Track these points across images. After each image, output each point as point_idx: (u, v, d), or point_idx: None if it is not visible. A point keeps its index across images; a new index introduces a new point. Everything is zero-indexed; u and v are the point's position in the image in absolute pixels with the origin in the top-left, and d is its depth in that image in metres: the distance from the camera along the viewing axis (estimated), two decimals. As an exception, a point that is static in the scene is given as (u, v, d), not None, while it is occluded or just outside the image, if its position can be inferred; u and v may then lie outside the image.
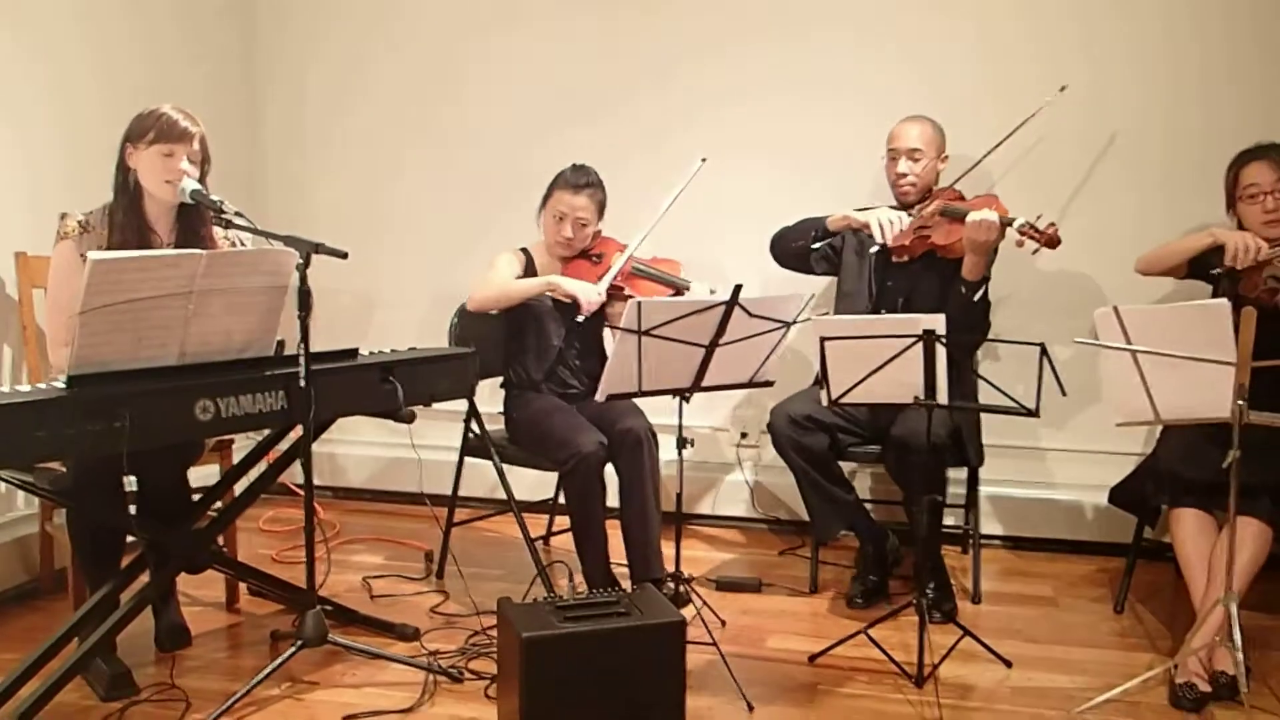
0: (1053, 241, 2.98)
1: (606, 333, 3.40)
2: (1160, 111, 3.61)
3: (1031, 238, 2.99)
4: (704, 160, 3.29)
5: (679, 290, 3.28)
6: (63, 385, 2.22)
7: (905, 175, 3.26)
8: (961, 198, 3.23)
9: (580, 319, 3.19)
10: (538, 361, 3.33)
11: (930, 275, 3.22)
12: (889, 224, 3.15)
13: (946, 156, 3.31)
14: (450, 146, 4.17)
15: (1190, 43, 3.57)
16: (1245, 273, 2.89)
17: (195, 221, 2.73)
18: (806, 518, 3.34)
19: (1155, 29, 3.60)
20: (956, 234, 3.12)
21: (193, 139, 2.65)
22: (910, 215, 3.19)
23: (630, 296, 3.28)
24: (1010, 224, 3.02)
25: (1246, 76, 3.53)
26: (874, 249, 3.19)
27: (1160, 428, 3.10)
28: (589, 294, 3.17)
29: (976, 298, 3.10)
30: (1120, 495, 3.23)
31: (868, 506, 3.40)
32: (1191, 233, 3.09)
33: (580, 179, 3.28)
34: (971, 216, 3.02)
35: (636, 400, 2.90)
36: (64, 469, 2.60)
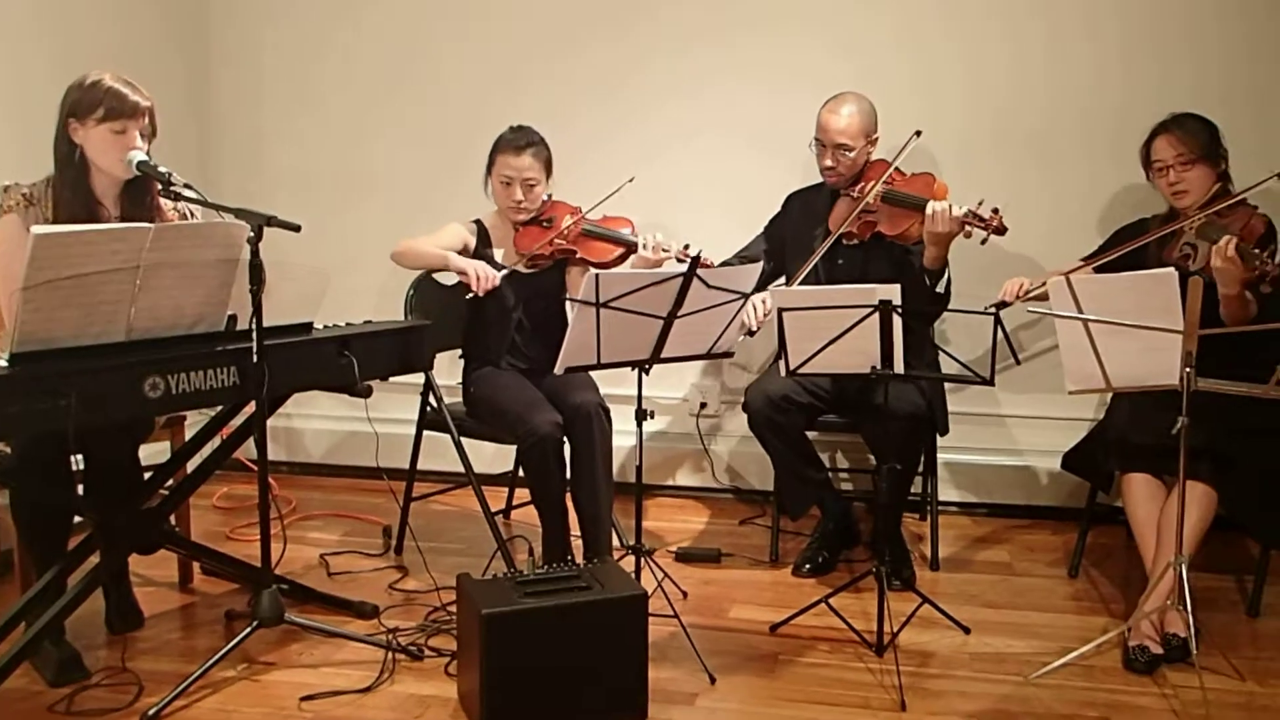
0: (1000, 229, 3.00)
1: (569, 304, 3.37)
2: (1111, 79, 3.63)
3: (978, 226, 3.01)
4: (631, 179, 3.26)
5: (630, 248, 3.26)
6: (4, 363, 2.16)
7: (832, 168, 3.27)
8: (901, 174, 3.23)
9: (470, 296, 3.16)
10: (498, 333, 3.30)
11: (879, 255, 3.24)
12: (754, 308, 3.13)
13: (876, 138, 3.30)
14: (412, 114, 4.10)
15: (1143, 5, 3.60)
16: (1163, 242, 3.00)
17: (141, 191, 2.65)
18: (767, 488, 3.36)
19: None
20: (902, 223, 3.13)
21: (144, 113, 2.57)
22: (770, 300, 3.15)
23: (583, 259, 3.28)
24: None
25: (1199, 37, 3.56)
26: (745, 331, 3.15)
27: (1111, 394, 3.15)
28: (484, 272, 3.13)
29: (940, 288, 3.12)
30: (1073, 461, 3.28)
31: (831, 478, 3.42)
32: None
33: (521, 139, 3.24)
34: (929, 209, 3.02)
35: (593, 373, 2.88)
36: (8, 449, 2.54)
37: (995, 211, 3.00)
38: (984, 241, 3.04)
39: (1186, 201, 3.03)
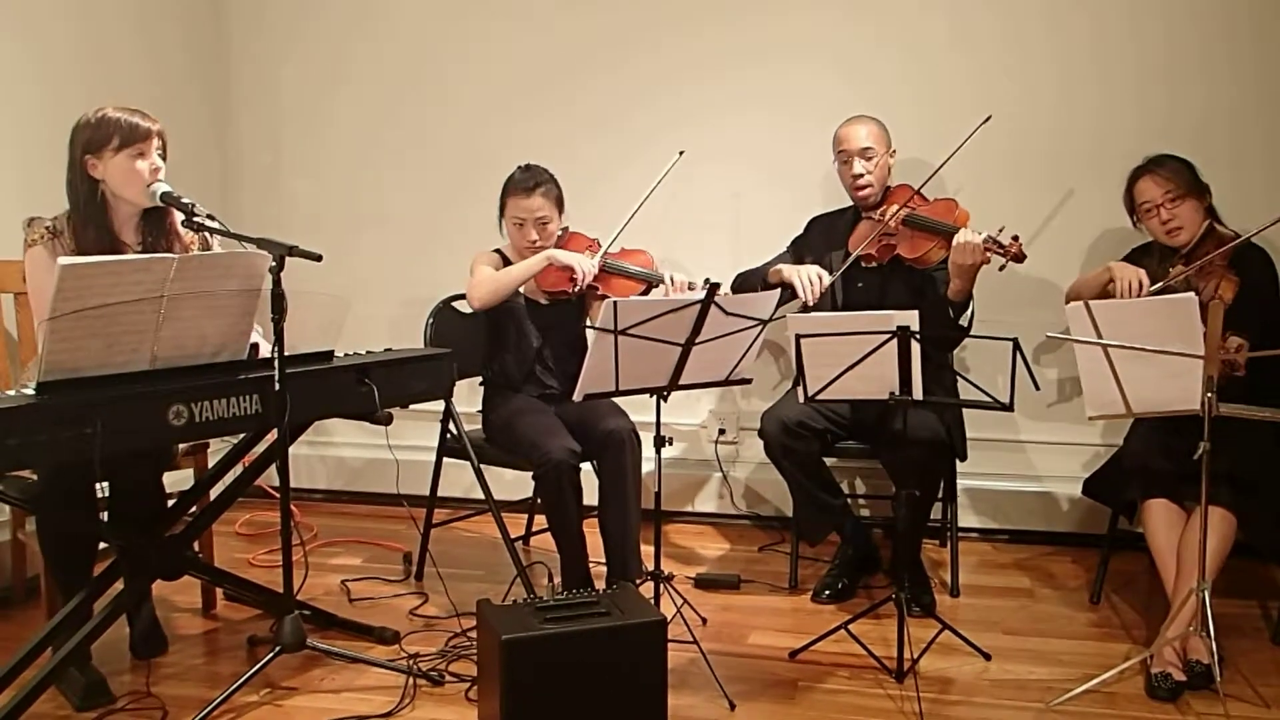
0: (1019, 257, 3.00)
1: (589, 331, 3.39)
2: (1123, 105, 3.64)
3: (997, 253, 3.01)
4: (681, 153, 3.27)
5: (652, 284, 3.28)
6: (32, 392, 2.20)
7: (862, 176, 3.25)
8: (924, 199, 3.24)
9: (575, 290, 3.20)
10: (517, 360, 3.32)
11: (899, 280, 3.24)
12: (810, 283, 3.16)
13: (894, 150, 3.31)
14: (426, 144, 4.15)
15: (1154, 30, 3.61)
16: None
17: (159, 220, 2.69)
18: (786, 514, 3.35)
19: (1120, 24, 3.63)
20: (922, 246, 3.14)
21: (156, 135, 2.61)
22: (828, 277, 3.19)
23: (604, 296, 3.29)
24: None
25: (1210, 66, 3.56)
26: (800, 305, 3.17)
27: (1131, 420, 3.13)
28: (585, 264, 3.18)
29: (963, 321, 3.12)
30: (1094, 487, 3.27)
31: (850, 504, 3.42)
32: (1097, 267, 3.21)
33: (530, 180, 3.25)
34: (956, 240, 3.02)
35: (617, 399, 2.90)
36: (34, 476, 2.57)
37: (1015, 239, 3.01)
38: (1002, 268, 3.04)
39: (1182, 238, 3.03)
